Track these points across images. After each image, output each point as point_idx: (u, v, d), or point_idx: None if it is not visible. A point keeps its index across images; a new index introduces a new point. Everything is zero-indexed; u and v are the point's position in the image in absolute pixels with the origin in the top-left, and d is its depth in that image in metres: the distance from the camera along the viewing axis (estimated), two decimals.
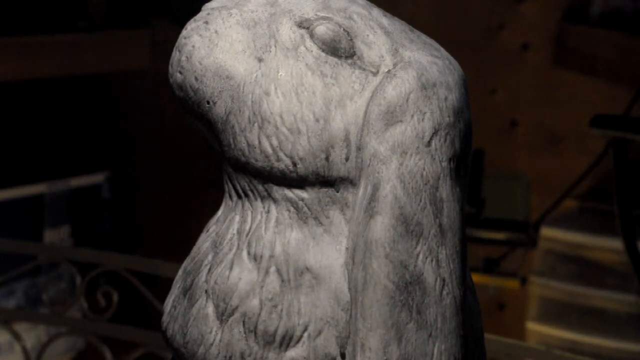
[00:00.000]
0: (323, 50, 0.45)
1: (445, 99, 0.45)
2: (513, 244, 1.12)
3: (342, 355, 0.44)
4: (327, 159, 0.44)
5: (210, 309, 0.45)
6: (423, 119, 0.44)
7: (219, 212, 0.48)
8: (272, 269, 0.45)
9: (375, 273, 0.43)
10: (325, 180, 0.45)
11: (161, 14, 1.26)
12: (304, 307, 0.44)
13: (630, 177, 0.98)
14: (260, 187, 0.46)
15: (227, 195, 0.48)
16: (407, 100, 0.44)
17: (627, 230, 0.97)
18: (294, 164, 0.44)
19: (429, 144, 0.44)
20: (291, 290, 0.44)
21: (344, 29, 0.45)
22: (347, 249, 0.44)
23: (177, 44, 0.47)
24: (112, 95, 1.38)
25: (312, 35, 0.45)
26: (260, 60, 0.45)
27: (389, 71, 0.45)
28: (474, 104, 0.48)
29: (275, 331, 0.44)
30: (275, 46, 0.45)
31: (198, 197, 1.29)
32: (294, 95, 0.44)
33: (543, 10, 1.22)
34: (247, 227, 0.46)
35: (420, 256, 0.43)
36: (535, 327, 1.18)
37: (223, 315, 0.45)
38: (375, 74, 0.45)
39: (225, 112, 0.45)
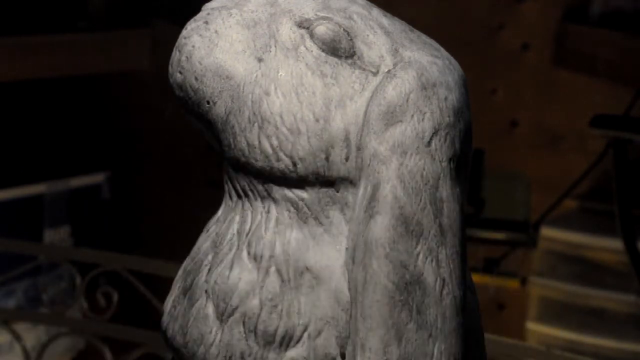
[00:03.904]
0: (323, 50, 0.45)
1: (445, 99, 0.45)
2: (513, 244, 1.12)
3: (342, 356, 0.44)
4: (327, 159, 0.44)
5: (210, 309, 0.45)
6: (423, 119, 0.44)
7: (219, 212, 0.48)
8: (272, 269, 0.45)
9: (375, 273, 0.43)
10: (325, 180, 0.45)
11: (161, 14, 1.26)
12: (304, 307, 0.44)
13: (630, 177, 0.98)
14: (260, 187, 0.45)
15: (227, 195, 0.47)
16: (407, 100, 0.44)
17: (627, 230, 0.97)
18: (294, 164, 0.44)
19: (429, 144, 0.44)
20: (291, 291, 0.44)
21: (344, 29, 0.45)
22: (347, 249, 0.44)
23: (177, 44, 0.47)
24: (112, 95, 1.38)
25: (312, 35, 0.45)
26: (260, 60, 0.45)
27: (389, 71, 0.45)
28: (474, 104, 0.48)
29: (276, 331, 0.44)
30: (275, 46, 0.45)
31: (198, 197, 1.28)
32: (294, 95, 0.44)
33: (543, 10, 1.22)
34: (247, 227, 0.46)
35: (420, 256, 0.43)
36: (535, 327, 1.18)
37: (223, 315, 0.45)
38: (375, 74, 0.45)
39: (225, 112, 0.45)
